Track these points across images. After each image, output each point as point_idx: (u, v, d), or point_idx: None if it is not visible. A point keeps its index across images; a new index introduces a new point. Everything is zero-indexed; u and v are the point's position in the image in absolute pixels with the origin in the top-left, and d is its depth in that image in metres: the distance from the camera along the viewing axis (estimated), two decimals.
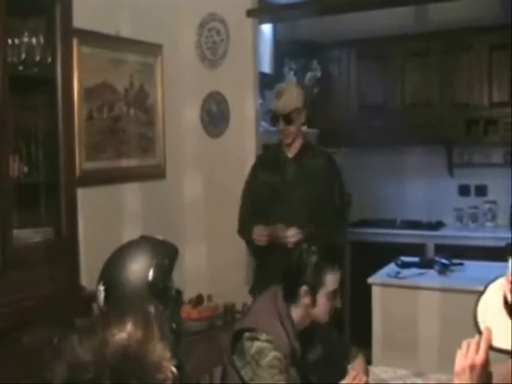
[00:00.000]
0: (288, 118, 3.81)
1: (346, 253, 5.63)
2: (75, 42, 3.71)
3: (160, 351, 1.42)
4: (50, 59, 3.39)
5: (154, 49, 4.56)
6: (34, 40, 3.35)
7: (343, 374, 2.59)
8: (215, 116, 4.83)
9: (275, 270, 2.93)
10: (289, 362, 2.56)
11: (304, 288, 2.65)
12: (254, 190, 3.98)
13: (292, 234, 3.68)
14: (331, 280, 2.68)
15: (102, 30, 4.02)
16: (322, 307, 2.69)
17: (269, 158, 4.06)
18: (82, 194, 3.66)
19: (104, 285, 2.43)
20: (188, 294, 4.45)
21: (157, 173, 4.65)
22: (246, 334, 2.59)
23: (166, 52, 4.64)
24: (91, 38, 3.93)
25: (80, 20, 3.57)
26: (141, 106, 4.47)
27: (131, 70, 4.37)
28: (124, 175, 4.34)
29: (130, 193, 4.40)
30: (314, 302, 2.67)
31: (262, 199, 3.86)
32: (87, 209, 3.83)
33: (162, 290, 2.39)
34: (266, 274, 3.66)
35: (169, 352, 1.45)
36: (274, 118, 3.90)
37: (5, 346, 2.96)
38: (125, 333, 1.39)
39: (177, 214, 4.80)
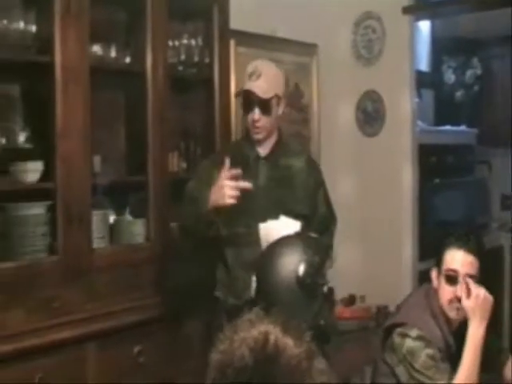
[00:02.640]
0: (265, 106, 2.89)
1: (505, 255, 5.42)
2: (232, 42, 3.80)
3: (318, 374, 1.42)
4: (207, 60, 3.50)
5: (309, 48, 4.59)
6: (192, 42, 3.48)
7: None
8: (371, 115, 4.78)
9: None
10: (443, 356, 2.48)
11: (434, 269, 2.57)
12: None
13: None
14: (451, 257, 2.55)
15: (257, 31, 4.09)
16: (441, 291, 2.56)
17: (234, 155, 2.89)
18: None
19: (256, 276, 2.49)
20: (340, 294, 4.45)
21: None
22: (397, 330, 2.54)
23: (321, 51, 4.65)
24: (247, 38, 4.02)
25: (236, 21, 3.66)
26: (296, 105, 4.52)
27: (286, 69, 4.40)
28: None
29: None
30: (438, 286, 2.57)
31: (222, 209, 2.76)
32: None
33: (311, 286, 2.41)
34: None
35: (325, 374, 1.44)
36: (247, 103, 2.91)
37: (166, 335, 3.08)
38: (286, 340, 1.39)
39: None
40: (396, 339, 2.53)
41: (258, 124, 2.90)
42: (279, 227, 2.76)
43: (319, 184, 3.17)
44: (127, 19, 3.28)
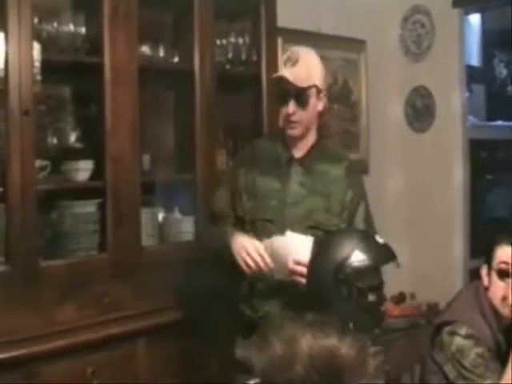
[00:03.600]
0: (302, 97, 2.56)
1: None
2: (279, 40, 3.81)
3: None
4: (255, 58, 3.52)
5: (357, 45, 4.57)
6: (240, 40, 3.50)
7: None
8: (420, 111, 4.74)
9: None
10: (492, 355, 2.45)
11: (484, 267, 2.53)
12: (236, 202, 2.68)
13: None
14: (502, 252, 2.49)
15: (305, 28, 4.09)
16: (492, 288, 2.52)
17: (265, 154, 2.69)
18: None
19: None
20: (390, 291, 4.42)
21: (360, 168, 4.64)
22: (446, 328, 2.51)
23: (369, 47, 4.63)
24: (295, 35, 4.01)
25: (284, 19, 3.66)
26: (344, 102, 4.51)
27: (335, 66, 4.41)
28: None
29: None
30: (489, 283, 2.53)
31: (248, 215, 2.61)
32: None
33: (344, 284, 2.35)
34: None
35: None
36: (281, 93, 2.59)
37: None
38: (340, 347, 1.38)
39: (380, 209, 4.73)
40: (445, 337, 2.51)
41: (292, 118, 2.57)
42: (285, 245, 2.46)
43: (359, 197, 2.76)
44: (175, 19, 3.32)
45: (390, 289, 4.36)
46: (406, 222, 4.76)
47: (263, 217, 2.60)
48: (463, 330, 2.47)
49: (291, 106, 2.56)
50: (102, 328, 2.71)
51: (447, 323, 2.53)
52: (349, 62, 4.54)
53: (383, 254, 2.45)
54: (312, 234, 2.51)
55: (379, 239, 2.47)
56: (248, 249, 2.45)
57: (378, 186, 4.76)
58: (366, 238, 2.45)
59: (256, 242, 2.47)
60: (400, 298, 4.35)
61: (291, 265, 2.42)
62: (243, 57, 3.50)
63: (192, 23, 3.16)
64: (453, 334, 2.49)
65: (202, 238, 2.93)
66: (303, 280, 2.40)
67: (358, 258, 2.34)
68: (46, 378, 2.50)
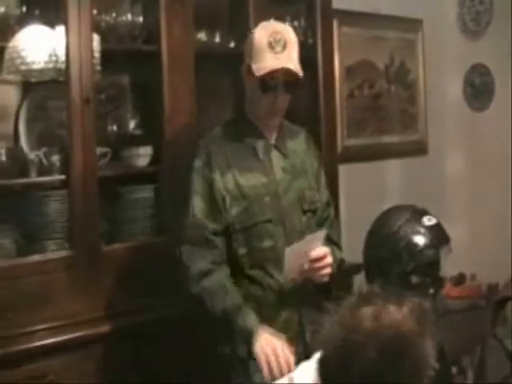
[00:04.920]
0: (292, 85, 2.37)
1: None
2: (335, 22, 3.80)
3: (429, 349, 1.44)
4: (311, 41, 3.52)
5: (414, 24, 4.53)
6: (295, 23, 3.50)
7: None
8: (479, 89, 4.69)
9: None
10: None
11: None
12: (217, 213, 2.36)
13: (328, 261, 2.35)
14: None
15: (360, 9, 4.07)
16: None
17: (236, 148, 2.42)
18: (343, 170, 3.75)
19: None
20: (449, 272, 4.40)
21: (419, 149, 4.63)
22: (510, 303, 2.49)
23: (426, 26, 4.58)
24: (350, 17, 4.01)
25: (339, 1, 3.65)
26: (402, 83, 4.48)
27: (391, 46, 4.38)
28: (385, 152, 4.38)
29: (391, 169, 4.43)
30: None
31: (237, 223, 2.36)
32: (348, 184, 3.92)
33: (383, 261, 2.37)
34: None
35: (435, 351, 1.45)
36: (269, 81, 2.32)
37: None
38: (400, 315, 1.42)
39: (439, 190, 4.73)
40: (509, 312, 2.49)
41: (280, 106, 2.40)
42: (306, 247, 2.31)
43: (320, 163, 2.61)
44: (230, 4, 3.34)
45: (450, 270, 4.35)
46: (466, 203, 4.72)
47: (262, 218, 2.36)
48: None
49: (281, 95, 2.37)
50: (158, 311, 2.76)
51: (510, 298, 2.51)
52: (406, 42, 4.51)
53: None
54: (306, 218, 2.44)
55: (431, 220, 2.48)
56: (278, 353, 2.16)
57: (437, 166, 4.73)
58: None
59: (286, 348, 2.18)
60: (460, 279, 4.33)
61: (307, 265, 2.30)
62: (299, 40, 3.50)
63: (247, 8, 3.17)
64: None
65: (191, 284, 2.36)
66: (323, 272, 2.32)
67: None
68: (108, 358, 2.58)
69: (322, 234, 2.36)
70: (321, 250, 2.31)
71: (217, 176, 2.36)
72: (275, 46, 2.31)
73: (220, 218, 2.35)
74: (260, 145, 2.43)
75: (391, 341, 1.39)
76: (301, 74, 2.34)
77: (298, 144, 2.54)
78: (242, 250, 2.36)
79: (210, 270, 2.31)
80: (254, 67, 2.33)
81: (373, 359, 1.37)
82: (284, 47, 2.31)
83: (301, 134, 2.60)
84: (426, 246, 2.38)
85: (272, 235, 2.36)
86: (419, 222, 2.46)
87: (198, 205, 2.35)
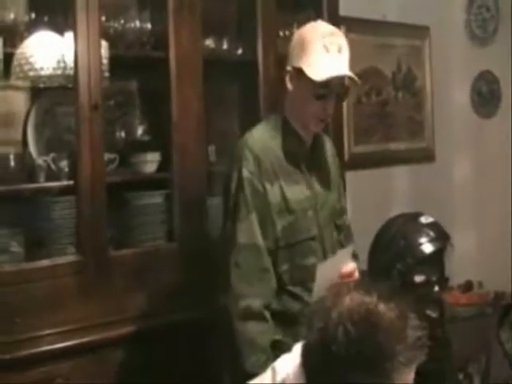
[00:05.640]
0: (344, 92, 2.28)
1: None
2: (343, 29, 3.80)
3: (405, 329, 1.46)
4: None
5: (421, 31, 4.54)
6: None
7: None
8: (486, 96, 4.69)
9: None
10: None
11: None
12: (266, 228, 2.20)
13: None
14: None
15: (368, 17, 4.08)
16: None
17: (279, 155, 2.26)
18: (350, 176, 3.76)
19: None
20: (457, 280, 4.39)
21: (426, 156, 4.63)
22: None
23: (433, 33, 4.59)
24: (358, 24, 4.02)
25: (347, 8, 3.66)
26: (409, 90, 4.49)
27: (398, 53, 4.39)
28: (392, 158, 4.38)
29: (399, 176, 4.43)
30: None
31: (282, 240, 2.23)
32: (355, 191, 3.92)
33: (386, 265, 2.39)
34: None
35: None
36: (325, 88, 2.19)
37: None
38: (375, 300, 1.47)
39: (446, 197, 4.73)
40: None
41: (329, 113, 2.26)
42: (337, 263, 2.25)
43: (341, 171, 2.57)
44: (238, 11, 3.36)
45: (457, 277, 4.34)
46: (473, 210, 4.72)
47: (307, 236, 2.27)
48: None
49: (332, 102, 2.25)
50: (169, 315, 2.77)
51: None
52: (413, 49, 4.52)
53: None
54: (337, 233, 2.38)
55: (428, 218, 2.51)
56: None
57: (444, 173, 4.72)
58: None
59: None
60: (467, 287, 4.32)
61: (337, 281, 2.18)
62: None
63: (255, 15, 3.19)
64: None
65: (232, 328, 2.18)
66: None
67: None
68: (117, 363, 2.59)
69: (350, 249, 2.32)
70: (350, 266, 2.25)
71: (268, 186, 2.18)
72: (331, 50, 2.17)
73: (269, 233, 2.20)
74: (303, 155, 2.31)
75: (364, 318, 1.44)
76: (359, 82, 2.23)
77: (327, 153, 2.45)
78: (285, 267, 2.24)
79: (259, 312, 2.16)
80: (308, 71, 2.18)
81: (350, 337, 1.42)
82: (339, 50, 2.19)
83: (327, 141, 2.49)
84: (426, 241, 2.41)
85: (314, 252, 2.27)
86: (417, 221, 2.49)
87: (255, 224, 2.16)
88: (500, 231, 4.53)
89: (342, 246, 2.40)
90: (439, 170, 4.69)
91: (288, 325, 2.23)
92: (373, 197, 4.20)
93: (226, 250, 2.23)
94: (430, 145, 4.64)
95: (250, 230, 2.17)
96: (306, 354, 1.55)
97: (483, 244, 4.68)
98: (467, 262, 4.56)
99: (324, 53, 2.17)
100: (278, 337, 2.21)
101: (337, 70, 2.18)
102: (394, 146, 4.37)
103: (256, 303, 2.15)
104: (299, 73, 2.23)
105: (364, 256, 2.57)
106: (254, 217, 2.16)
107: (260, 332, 2.16)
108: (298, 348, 1.62)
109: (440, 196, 4.66)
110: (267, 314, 2.18)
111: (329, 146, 2.49)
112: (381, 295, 1.48)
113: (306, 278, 2.23)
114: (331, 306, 1.48)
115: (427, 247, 2.41)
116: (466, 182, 4.75)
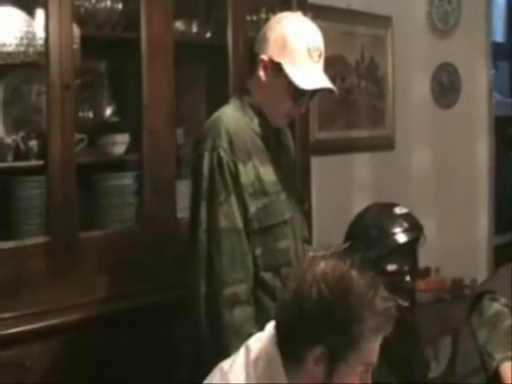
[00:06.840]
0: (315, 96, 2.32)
1: None
2: (309, 16, 3.82)
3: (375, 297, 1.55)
4: None
5: (384, 21, 4.58)
6: (270, 16, 3.51)
7: None
8: (446, 87, 4.77)
9: None
10: None
11: None
12: (242, 200, 2.15)
13: None
14: None
15: (334, 4, 4.10)
16: None
17: (252, 136, 2.23)
18: (314, 162, 3.78)
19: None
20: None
21: (386, 144, 4.69)
22: (487, 295, 2.56)
23: (395, 24, 4.64)
24: (324, 11, 4.03)
25: None
26: (371, 78, 4.53)
27: (362, 42, 4.43)
28: (354, 145, 4.42)
29: (360, 163, 4.48)
30: None
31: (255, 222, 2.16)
32: (320, 176, 3.94)
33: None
34: None
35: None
36: (300, 93, 2.19)
37: None
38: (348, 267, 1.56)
39: (405, 185, 4.80)
40: (485, 302, 2.54)
41: (301, 112, 2.35)
42: None
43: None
44: None
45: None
46: (432, 198, 4.80)
47: (281, 219, 2.22)
48: (503, 300, 2.51)
49: (305, 104, 2.29)
50: (138, 297, 2.75)
51: (488, 292, 2.57)
52: (376, 39, 4.56)
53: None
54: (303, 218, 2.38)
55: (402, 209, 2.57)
56: None
57: (404, 162, 4.79)
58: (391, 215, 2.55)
59: None
60: (425, 273, 4.39)
61: None
62: None
63: None
64: (493, 300, 2.52)
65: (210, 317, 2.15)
66: None
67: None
68: (85, 346, 2.56)
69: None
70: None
71: (240, 166, 2.13)
72: (314, 55, 2.19)
73: (242, 216, 2.14)
74: (271, 136, 2.28)
75: (337, 281, 1.52)
76: (337, 92, 2.28)
77: (288, 138, 2.46)
78: (258, 251, 2.18)
79: (246, 298, 2.13)
80: (294, 76, 2.16)
81: (323, 296, 1.50)
82: (320, 56, 2.22)
83: (287, 128, 2.50)
84: (400, 231, 2.44)
85: (286, 236, 2.23)
86: (391, 211, 2.52)
87: (235, 207, 2.12)
88: (457, 219, 4.62)
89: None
90: (399, 158, 4.76)
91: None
92: (336, 182, 4.24)
93: (196, 234, 2.19)
94: (390, 133, 4.70)
95: (230, 214, 2.12)
96: (279, 314, 1.63)
97: (441, 231, 4.76)
98: (425, 249, 4.62)
99: (308, 60, 2.17)
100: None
101: (323, 81, 2.21)
102: (356, 133, 4.41)
103: (241, 289, 2.12)
104: (276, 67, 2.21)
105: (327, 237, 2.58)
106: (233, 199, 2.12)
107: (246, 318, 2.12)
108: (270, 326, 1.67)
109: (399, 183, 4.73)
110: (251, 300, 2.15)
111: (289, 132, 2.51)
112: (354, 264, 1.56)
113: (278, 262, 2.22)
114: (306, 269, 1.57)
115: (401, 237, 2.45)
116: (425, 171, 4.83)
